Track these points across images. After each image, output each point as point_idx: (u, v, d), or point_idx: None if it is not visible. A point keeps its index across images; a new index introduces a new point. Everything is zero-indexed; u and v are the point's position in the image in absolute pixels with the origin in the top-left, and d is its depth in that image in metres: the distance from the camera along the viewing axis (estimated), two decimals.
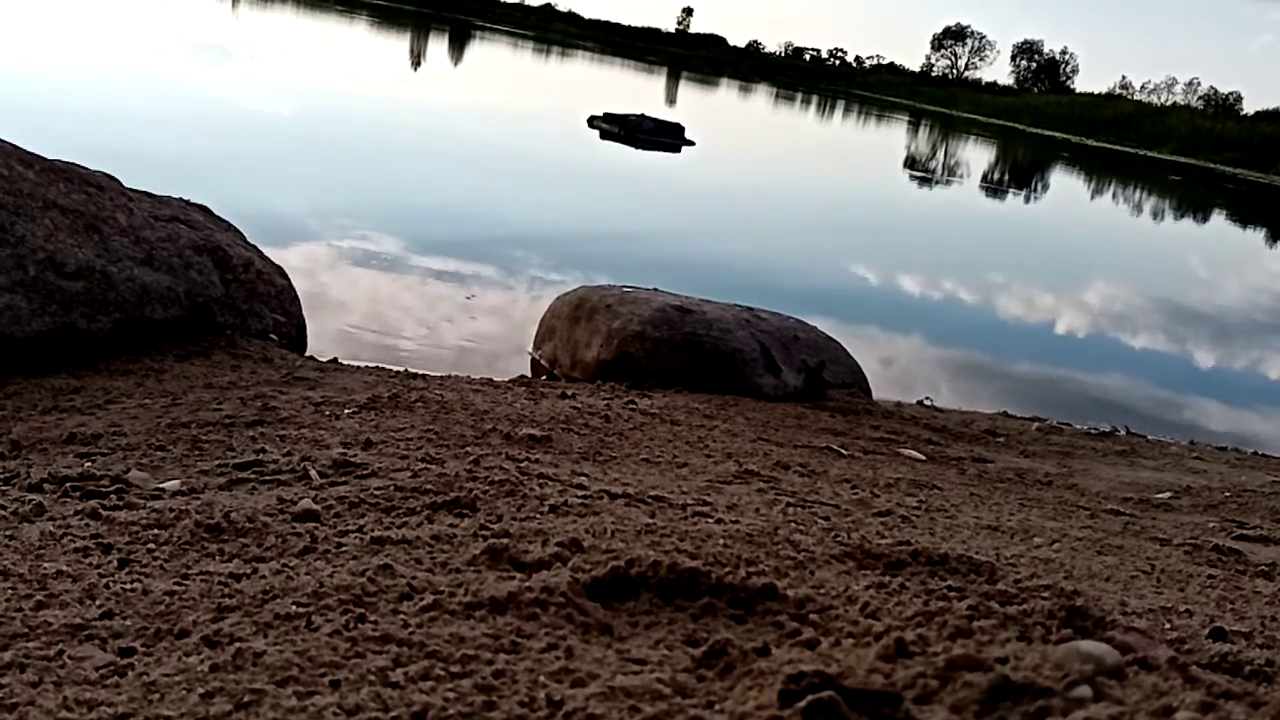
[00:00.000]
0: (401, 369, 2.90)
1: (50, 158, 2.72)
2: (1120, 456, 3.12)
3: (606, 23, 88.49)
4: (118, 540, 1.30)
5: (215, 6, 28.03)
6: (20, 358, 2.35)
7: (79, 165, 2.79)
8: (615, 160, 11.49)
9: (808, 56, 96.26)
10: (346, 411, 2.12)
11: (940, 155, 23.43)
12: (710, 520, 1.55)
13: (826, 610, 1.16)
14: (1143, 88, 71.65)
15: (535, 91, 20.94)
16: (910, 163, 19.67)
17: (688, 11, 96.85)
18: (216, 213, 3.15)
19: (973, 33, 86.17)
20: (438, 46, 29.89)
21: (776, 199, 10.65)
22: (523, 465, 1.79)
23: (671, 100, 25.23)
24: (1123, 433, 3.63)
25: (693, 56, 73.08)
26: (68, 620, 1.05)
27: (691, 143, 13.22)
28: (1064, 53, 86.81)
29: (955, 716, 0.87)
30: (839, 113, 37.46)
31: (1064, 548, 1.78)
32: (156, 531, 1.33)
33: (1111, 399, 4.74)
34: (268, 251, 3.18)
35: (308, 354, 2.99)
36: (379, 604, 1.11)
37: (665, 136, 13.05)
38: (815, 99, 45.97)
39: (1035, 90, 73.95)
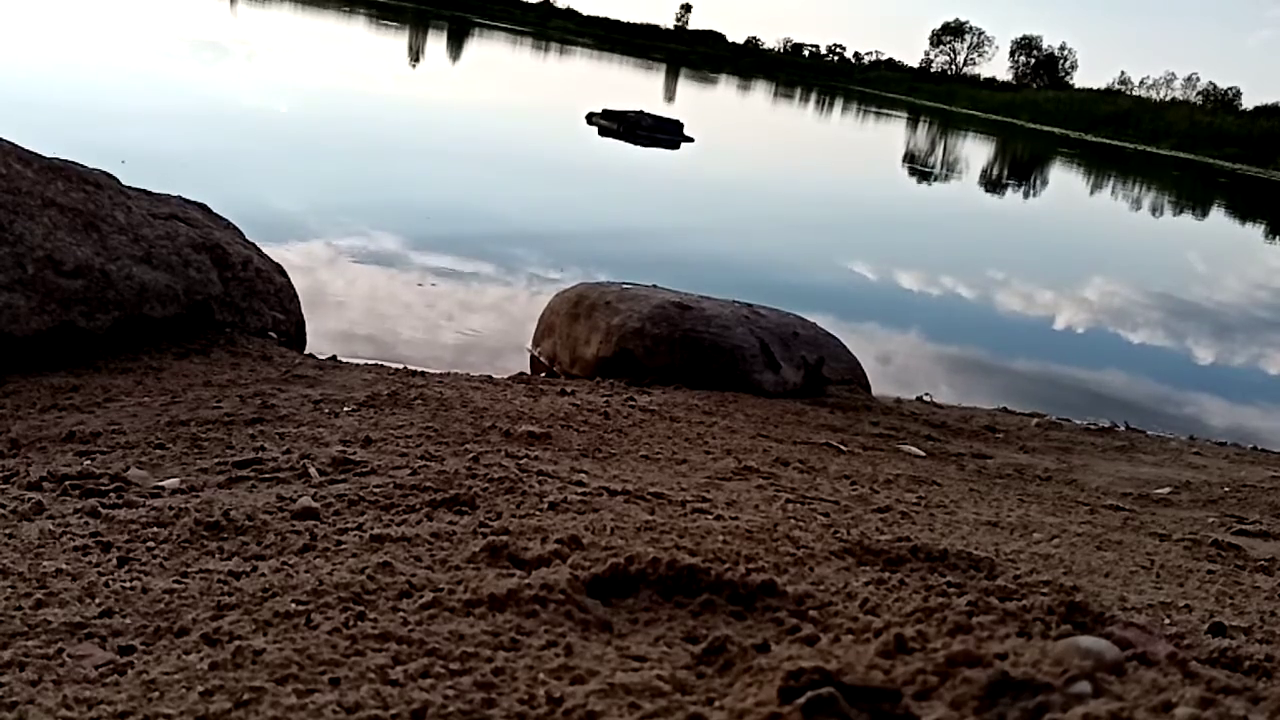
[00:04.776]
0: (400, 366, 2.90)
1: (48, 156, 2.72)
2: (1120, 452, 3.12)
3: (605, 19, 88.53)
4: (117, 538, 1.30)
5: (213, 4, 28.00)
6: (19, 356, 2.35)
7: (77, 163, 2.78)
8: (614, 157, 11.48)
9: (806, 53, 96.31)
10: (346, 409, 2.12)
11: (939, 151, 23.42)
12: (710, 517, 1.55)
13: (826, 607, 1.16)
14: (1142, 83, 71.72)
15: (534, 88, 20.92)
16: (909, 159, 19.67)
17: (686, 8, 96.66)
18: (215, 210, 3.15)
19: (971, 29, 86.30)
20: (436, 43, 29.86)
21: (775, 195, 10.64)
22: (522, 462, 1.79)
23: (670, 97, 25.21)
24: (1122, 428, 3.63)
25: (691, 53, 73.05)
26: (67, 618, 1.05)
27: (690, 139, 13.21)
28: (1063, 48, 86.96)
29: (954, 713, 0.87)
30: (838, 109, 37.44)
31: (1063, 543, 1.78)
32: (156, 529, 1.33)
33: (1111, 394, 4.74)
34: (266, 249, 3.17)
35: (307, 352, 2.98)
36: (378, 601, 1.11)
37: (664, 133, 13.04)
38: (814, 95, 45.94)
39: (1034, 86, 73.96)
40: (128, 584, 1.15)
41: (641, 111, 13.33)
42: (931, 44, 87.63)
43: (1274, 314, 8.36)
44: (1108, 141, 41.54)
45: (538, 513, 1.48)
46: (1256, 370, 6.17)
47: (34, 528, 1.33)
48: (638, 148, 12.15)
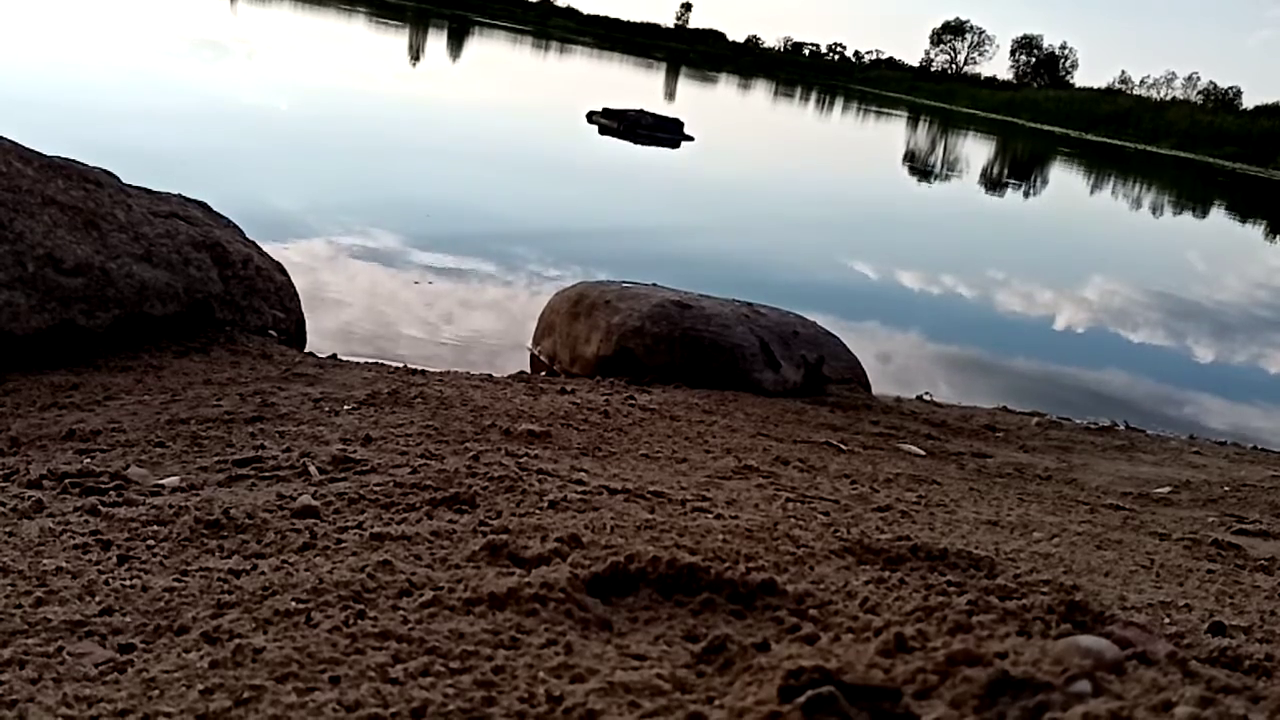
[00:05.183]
0: (400, 365, 2.90)
1: (49, 154, 2.72)
2: (1120, 451, 3.12)
3: (605, 18, 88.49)
4: (117, 537, 1.30)
5: (214, 2, 27.99)
6: (19, 354, 2.35)
7: (77, 162, 2.78)
8: (614, 156, 11.48)
9: (807, 52, 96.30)
10: (346, 408, 2.12)
11: (939, 151, 23.42)
12: (709, 516, 1.55)
13: (826, 605, 1.16)
14: (1142, 82, 71.65)
15: (534, 87, 20.92)
16: (909, 158, 19.67)
17: (686, 7, 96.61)
18: (215, 209, 3.15)
19: (972, 28, 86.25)
20: (436, 42, 29.84)
21: (775, 194, 10.64)
22: (522, 461, 1.79)
23: (670, 95, 25.20)
24: (1122, 427, 3.63)
25: (691, 52, 73.08)
26: (67, 617, 1.05)
27: (690, 138, 13.21)
28: (1063, 48, 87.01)
29: (954, 712, 0.87)
30: (838, 108, 37.43)
31: (1063, 543, 1.78)
32: (156, 528, 1.33)
33: (1111, 394, 4.74)
34: (266, 248, 3.17)
35: (307, 350, 2.98)
36: (378, 600, 1.11)
37: (664, 132, 13.04)
38: (814, 94, 45.94)
39: (1034, 85, 73.91)
40: (128, 582, 1.15)
41: (642, 110, 13.32)
42: (932, 43, 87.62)
43: (1274, 313, 8.36)
44: (1108, 141, 41.56)
45: (538, 511, 1.48)
46: (1256, 370, 6.17)
47: (34, 526, 1.33)
48: (638, 146, 12.15)
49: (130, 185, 2.90)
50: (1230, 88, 70.69)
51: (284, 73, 14.54)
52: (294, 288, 3.11)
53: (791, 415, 2.84)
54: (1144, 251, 11.84)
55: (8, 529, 1.32)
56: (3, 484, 1.53)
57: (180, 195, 3.09)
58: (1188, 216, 17.44)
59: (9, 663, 0.95)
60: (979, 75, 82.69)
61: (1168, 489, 2.58)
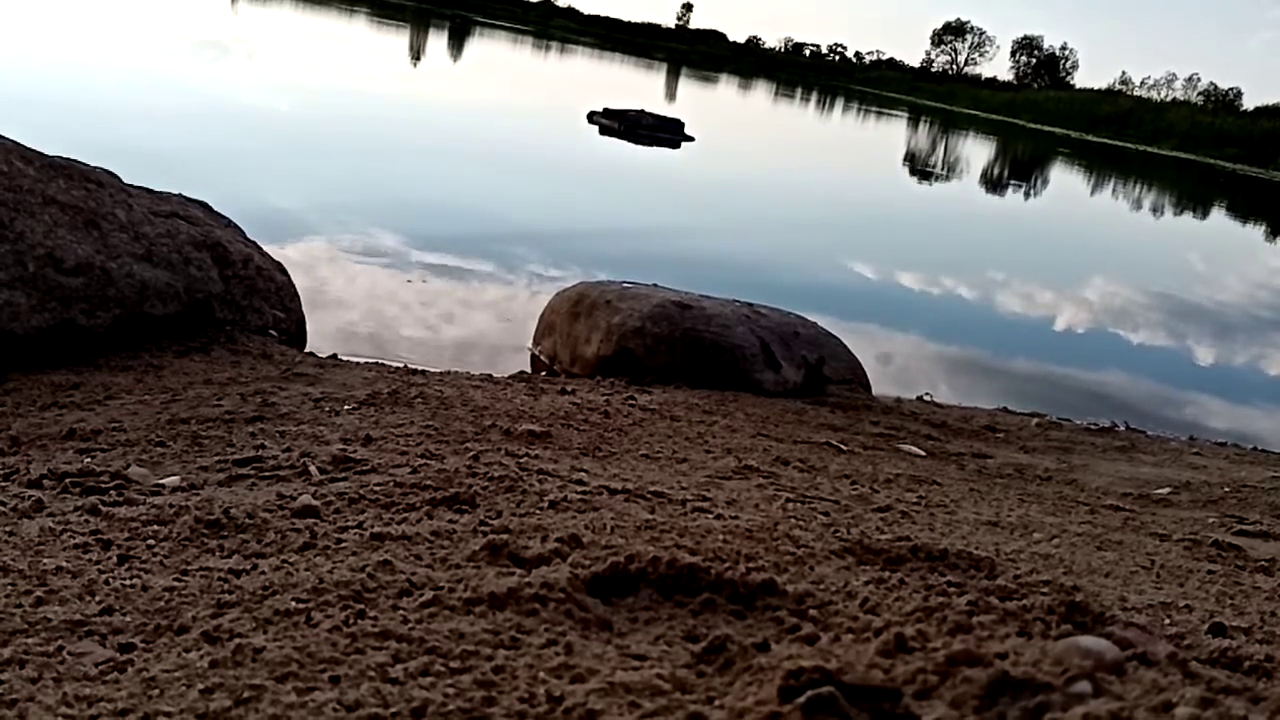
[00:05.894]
0: (401, 365, 2.90)
1: (49, 154, 2.72)
2: (1120, 452, 3.12)
3: (606, 19, 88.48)
4: (117, 536, 1.30)
5: (215, 3, 27.99)
6: (20, 354, 2.35)
7: (78, 161, 2.79)
8: (614, 156, 11.48)
9: (807, 52, 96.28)
10: (346, 407, 2.12)
11: (940, 151, 23.42)
12: (710, 516, 1.55)
13: (826, 606, 1.16)
14: (1143, 83, 71.59)
15: (534, 87, 20.92)
16: (910, 159, 19.67)
17: (687, 7, 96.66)
18: (216, 209, 3.15)
19: (973, 28, 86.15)
20: (437, 42, 29.85)
21: (776, 195, 10.64)
22: (522, 461, 1.79)
23: (671, 96, 25.21)
24: (1122, 428, 3.63)
25: (692, 52, 73.09)
26: (67, 616, 1.05)
27: (691, 138, 13.21)
28: (1064, 48, 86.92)
29: (954, 712, 0.87)
30: (838, 109, 37.43)
31: (1063, 543, 1.78)
32: (156, 527, 1.33)
33: (1111, 395, 4.73)
34: (267, 247, 3.17)
35: (307, 350, 2.99)
36: (379, 600, 1.11)
37: (665, 132, 13.04)
38: (815, 95, 45.95)
39: (1035, 86, 73.89)
40: (128, 582, 1.15)
41: (642, 110, 13.32)
42: (933, 44, 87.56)
43: (1274, 314, 8.36)
44: (1109, 142, 41.57)
45: (538, 511, 1.48)
46: (1257, 371, 6.17)
47: (34, 525, 1.33)
48: (639, 147, 12.15)
49: (131, 185, 2.90)
50: (1231, 89, 70.80)
51: (285, 73, 14.54)
52: (294, 287, 3.12)
53: (792, 416, 2.84)
54: (1144, 252, 11.84)
55: (8, 528, 1.32)
56: (3, 483, 1.54)
57: (181, 195, 3.09)
58: (1188, 217, 17.44)
59: (9, 662, 0.95)
60: (980, 76, 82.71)
61: (1168, 490, 2.58)
